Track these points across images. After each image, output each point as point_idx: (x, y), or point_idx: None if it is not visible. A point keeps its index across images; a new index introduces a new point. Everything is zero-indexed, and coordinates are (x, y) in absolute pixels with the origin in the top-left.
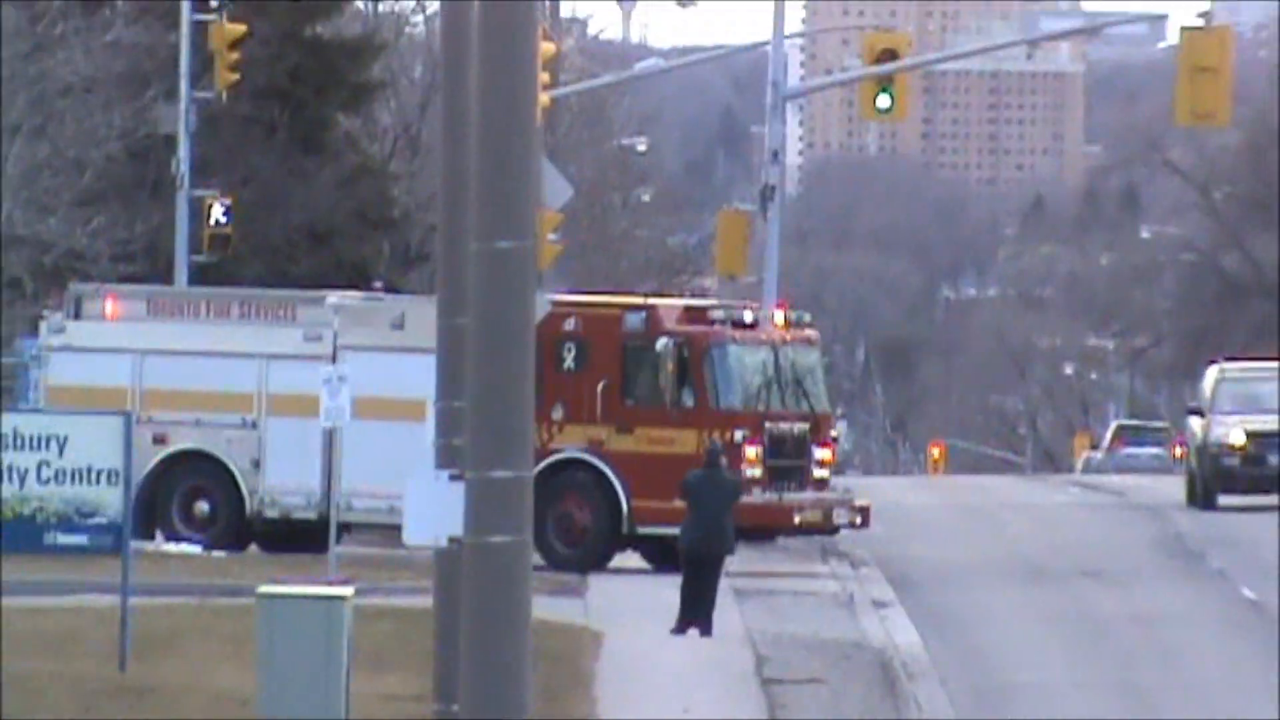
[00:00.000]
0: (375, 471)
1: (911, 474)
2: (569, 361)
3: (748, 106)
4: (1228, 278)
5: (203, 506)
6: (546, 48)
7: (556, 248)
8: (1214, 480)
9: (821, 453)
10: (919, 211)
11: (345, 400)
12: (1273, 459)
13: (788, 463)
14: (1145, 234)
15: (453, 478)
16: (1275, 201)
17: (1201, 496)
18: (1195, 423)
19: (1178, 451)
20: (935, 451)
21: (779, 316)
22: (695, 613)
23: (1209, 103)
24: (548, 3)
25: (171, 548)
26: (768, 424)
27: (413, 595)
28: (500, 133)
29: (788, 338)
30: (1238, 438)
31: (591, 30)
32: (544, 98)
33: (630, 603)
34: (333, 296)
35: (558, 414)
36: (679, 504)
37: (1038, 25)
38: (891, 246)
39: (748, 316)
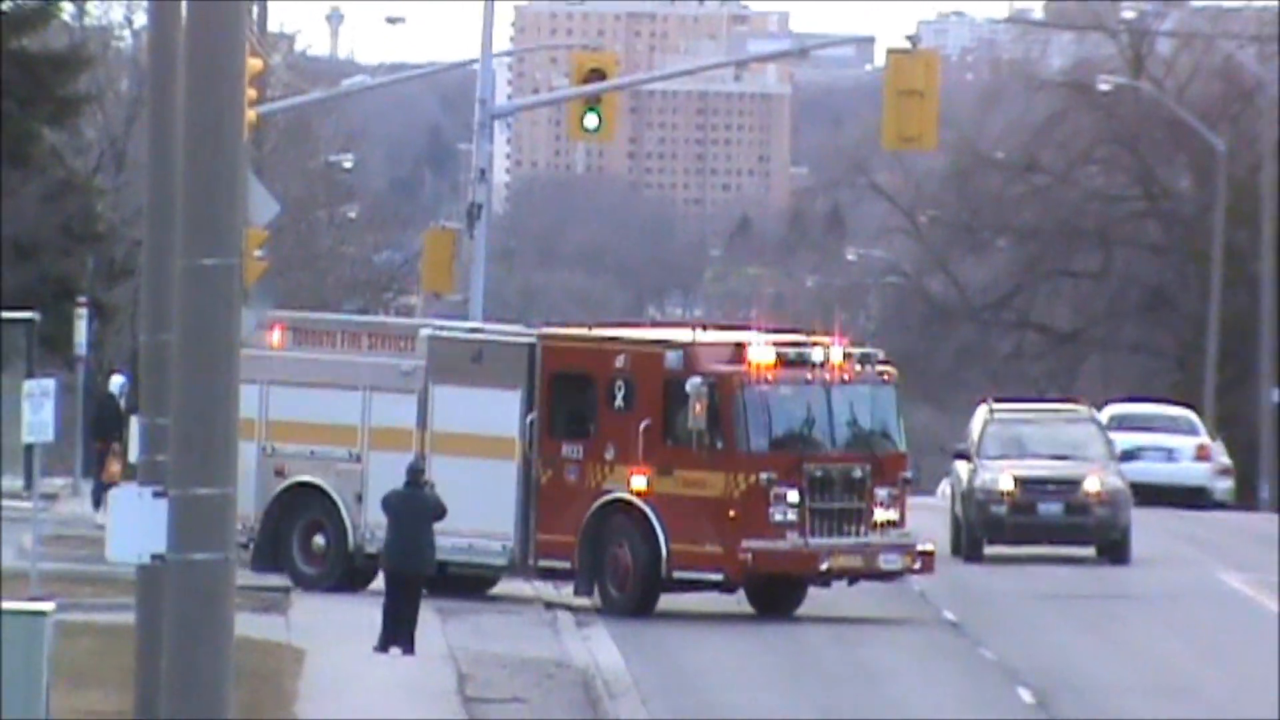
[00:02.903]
0: (456, 510)
1: None
2: (619, 400)
3: (455, 124)
4: (933, 301)
5: (319, 541)
6: (253, 63)
7: (262, 265)
8: (981, 529)
9: (887, 494)
10: (626, 231)
11: (49, 415)
12: (1043, 507)
13: (838, 506)
14: (851, 256)
15: (156, 494)
16: (980, 225)
17: (967, 547)
18: (961, 467)
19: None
20: None
21: (835, 354)
22: (398, 631)
23: (915, 126)
24: (255, 18)
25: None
26: (807, 466)
27: (115, 612)
28: (207, 149)
29: (847, 376)
30: (1007, 484)
31: (299, 46)
32: (251, 114)
33: (333, 621)
34: (426, 329)
35: (610, 454)
36: (711, 548)
37: (745, 47)
38: (598, 266)
39: (794, 353)
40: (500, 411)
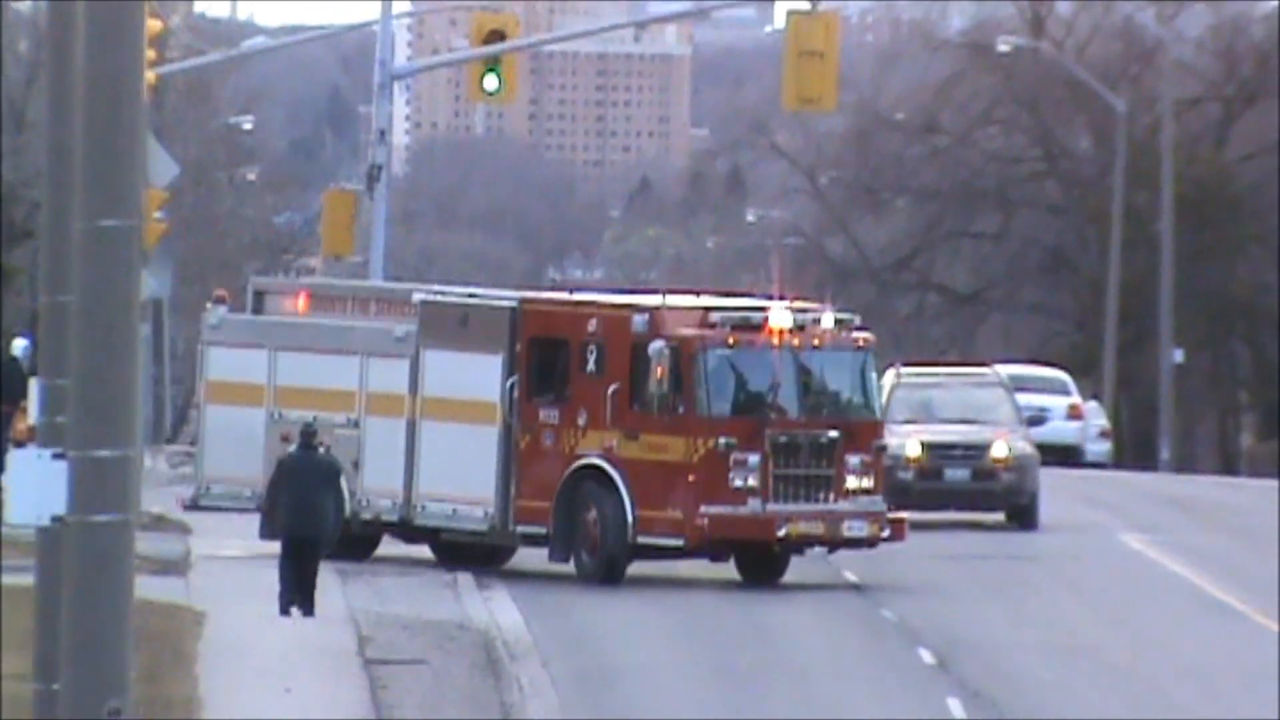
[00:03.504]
0: (443, 475)
1: None
2: (590, 365)
3: (355, 86)
4: (832, 262)
5: None
6: (153, 24)
7: (161, 226)
8: (887, 495)
9: (859, 461)
10: (526, 193)
11: None
12: (950, 473)
13: (804, 472)
14: (751, 217)
15: (55, 456)
16: (880, 186)
17: None
18: None
19: None
20: None
21: (803, 319)
22: (297, 593)
23: (815, 87)
24: None
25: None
26: (771, 431)
27: (15, 574)
28: (105, 110)
29: (816, 341)
30: (913, 450)
31: (198, 7)
32: (150, 75)
33: (233, 583)
34: (419, 293)
35: (582, 419)
36: (672, 513)
37: (645, 8)
38: (498, 228)
39: (757, 318)
40: (484, 376)
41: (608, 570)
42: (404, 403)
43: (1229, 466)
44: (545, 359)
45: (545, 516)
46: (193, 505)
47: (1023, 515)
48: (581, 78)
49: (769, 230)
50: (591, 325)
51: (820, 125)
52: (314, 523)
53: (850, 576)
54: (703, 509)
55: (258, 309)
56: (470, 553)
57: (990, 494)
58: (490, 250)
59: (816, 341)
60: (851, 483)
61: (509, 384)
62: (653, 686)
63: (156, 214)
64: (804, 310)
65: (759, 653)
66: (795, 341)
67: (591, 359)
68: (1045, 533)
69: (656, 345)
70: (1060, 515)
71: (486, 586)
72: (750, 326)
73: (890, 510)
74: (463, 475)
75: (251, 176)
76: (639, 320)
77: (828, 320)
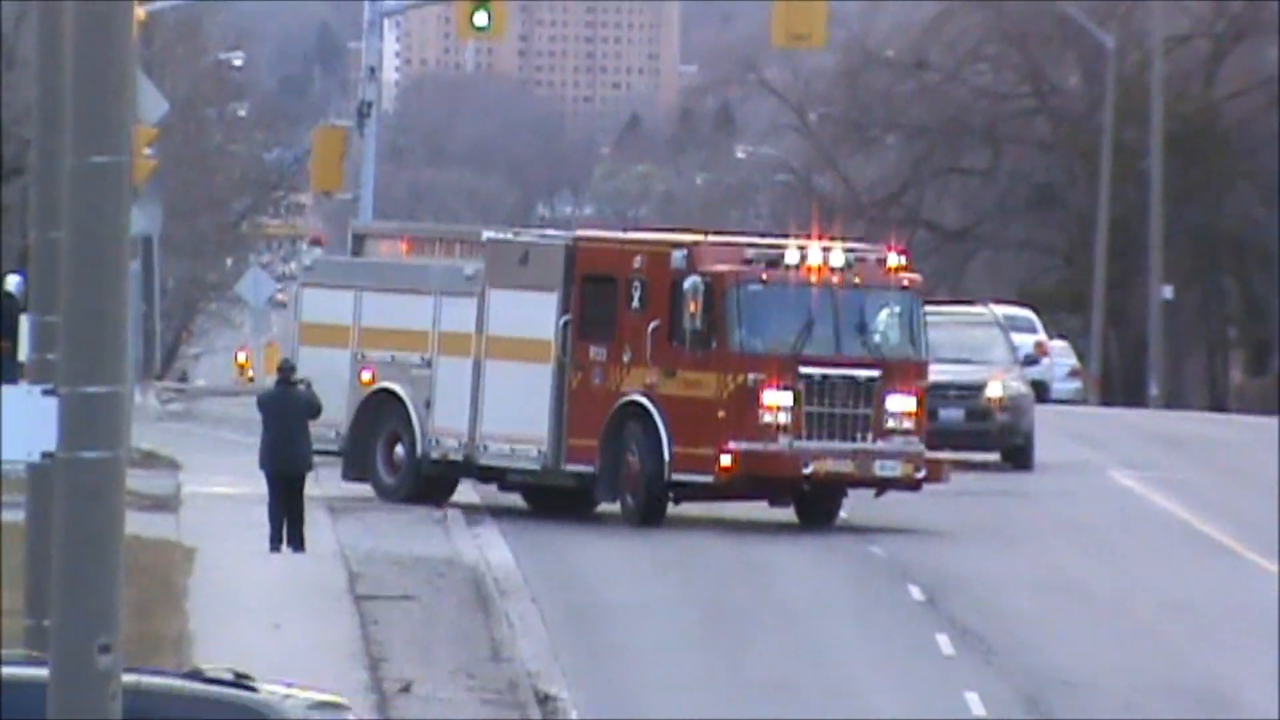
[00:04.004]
0: (503, 414)
1: None
2: (635, 302)
3: (345, 22)
4: (821, 198)
5: (398, 451)
6: None
7: (151, 163)
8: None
9: (897, 402)
10: (515, 129)
11: None
12: (944, 413)
13: (840, 411)
14: (740, 154)
15: (46, 392)
16: (869, 123)
17: None
18: None
19: None
20: None
21: (842, 257)
22: (286, 529)
23: (805, 24)
24: None
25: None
26: (804, 369)
27: (7, 510)
28: (95, 46)
29: (858, 280)
30: None
31: None
32: (140, 11)
33: (224, 519)
34: (488, 231)
35: (626, 356)
36: (704, 451)
37: None
38: (487, 164)
39: (794, 256)
40: (541, 314)
41: (645, 511)
42: (470, 342)
43: (1217, 403)
44: (596, 297)
45: (594, 455)
46: None
47: (1018, 455)
48: (571, 14)
49: (758, 167)
50: (636, 262)
51: (809, 62)
52: (294, 458)
53: (842, 514)
54: (730, 444)
55: (357, 252)
56: (556, 498)
57: (985, 434)
58: (480, 186)
59: (858, 280)
60: (891, 423)
61: (562, 322)
62: (642, 623)
63: (146, 150)
64: (847, 249)
65: (749, 590)
66: (835, 280)
67: (636, 296)
68: (1035, 471)
69: (691, 280)
70: (1050, 453)
71: (476, 523)
72: (787, 264)
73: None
74: (520, 414)
75: (241, 113)
76: (678, 256)
77: (870, 259)
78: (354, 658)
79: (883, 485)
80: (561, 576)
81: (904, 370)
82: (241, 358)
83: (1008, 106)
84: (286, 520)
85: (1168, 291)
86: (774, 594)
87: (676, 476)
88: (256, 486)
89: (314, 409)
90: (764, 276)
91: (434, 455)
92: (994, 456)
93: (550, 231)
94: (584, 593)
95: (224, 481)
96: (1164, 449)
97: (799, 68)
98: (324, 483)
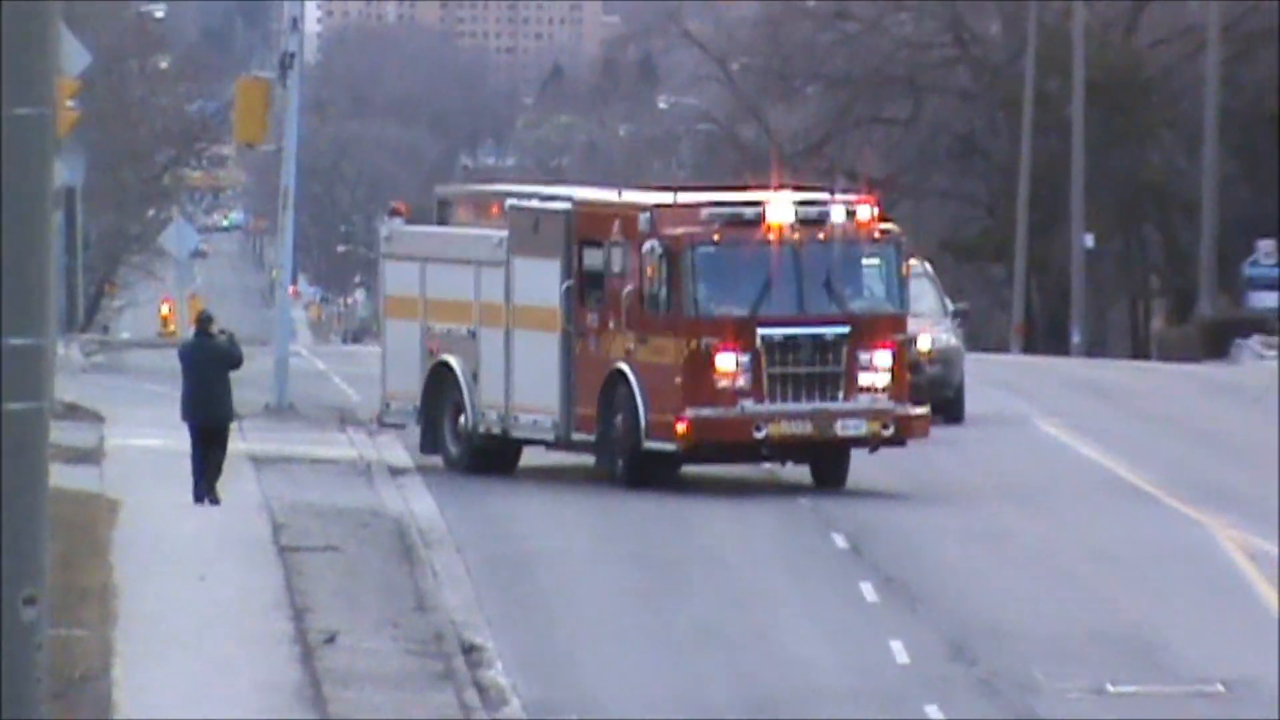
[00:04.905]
0: (527, 385)
1: None
2: (616, 266)
3: None
4: (745, 148)
5: (462, 420)
6: None
7: (74, 115)
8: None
9: (869, 358)
10: (439, 80)
11: None
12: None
13: (805, 371)
14: (663, 104)
15: None
16: (791, 73)
17: None
18: None
19: None
20: None
21: (801, 213)
22: (208, 480)
23: None
24: None
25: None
26: (763, 330)
27: None
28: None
29: (823, 235)
30: None
31: None
32: None
33: (147, 471)
34: (512, 198)
35: (612, 323)
36: (668, 416)
37: None
38: (411, 116)
39: (751, 214)
40: (551, 282)
41: (629, 477)
42: (502, 312)
43: (1139, 351)
44: (591, 262)
45: (592, 424)
46: (379, 422)
47: (948, 408)
48: None
49: (681, 117)
50: (616, 226)
51: (731, 12)
52: (214, 410)
53: (765, 465)
54: (687, 411)
55: (443, 219)
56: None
57: (916, 387)
58: (403, 138)
59: (823, 235)
60: (865, 380)
61: (564, 289)
62: (567, 573)
63: (69, 102)
64: (811, 203)
65: (674, 540)
66: (796, 236)
67: (616, 261)
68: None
69: (649, 244)
70: (975, 402)
71: (400, 473)
72: (744, 222)
73: (910, 407)
74: (537, 384)
75: (163, 65)
76: (644, 219)
77: (838, 212)
78: (279, 609)
79: (847, 445)
80: (486, 527)
81: (876, 325)
82: (165, 310)
83: (929, 56)
84: (208, 470)
85: (1090, 240)
86: (699, 544)
87: (648, 444)
88: (180, 439)
89: (234, 359)
90: (716, 237)
91: (481, 428)
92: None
93: (560, 191)
94: (509, 543)
95: (148, 434)
96: (1088, 397)
97: (721, 18)
98: (248, 435)
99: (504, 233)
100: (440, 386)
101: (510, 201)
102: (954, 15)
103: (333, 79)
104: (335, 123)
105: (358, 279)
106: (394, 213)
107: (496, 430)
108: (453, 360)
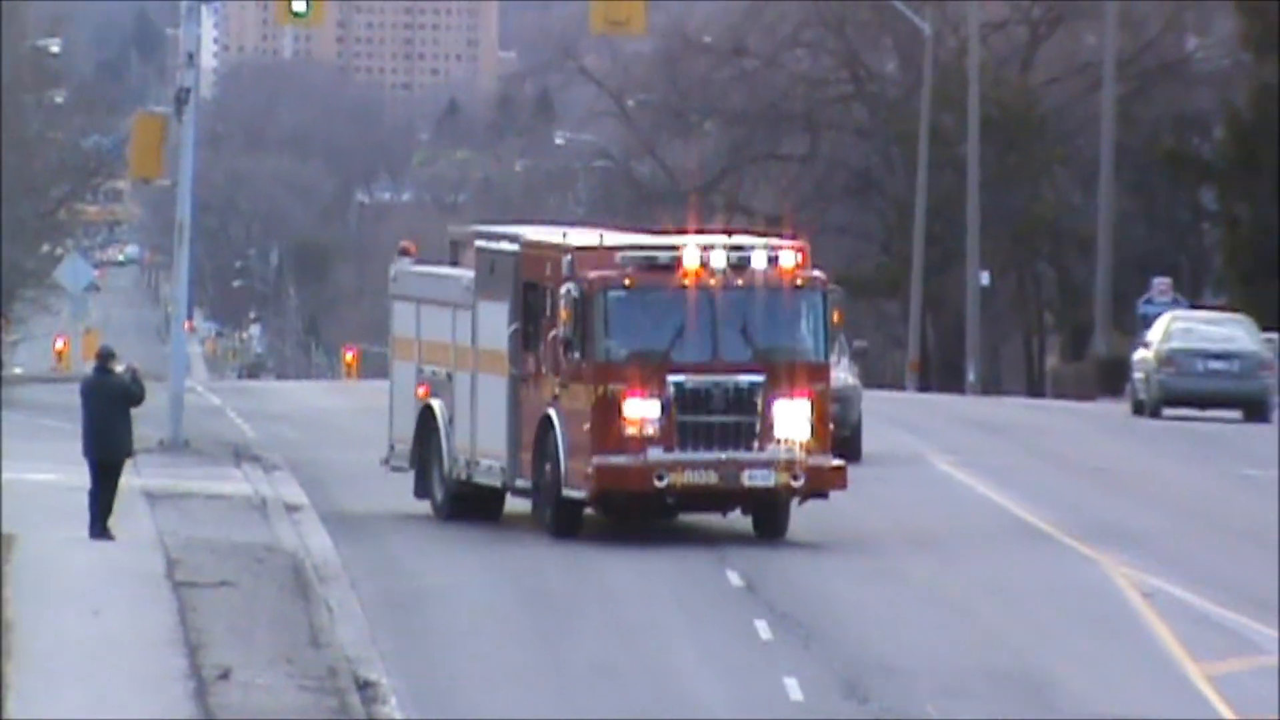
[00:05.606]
0: (486, 430)
1: (325, 378)
2: (548, 309)
3: (163, 9)
4: (640, 185)
5: (444, 467)
6: None
7: None
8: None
9: (784, 407)
10: (334, 116)
11: None
12: None
13: (718, 419)
14: (559, 140)
15: None
16: (688, 109)
17: None
18: None
19: None
20: (349, 355)
21: (719, 258)
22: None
23: (624, 10)
24: None
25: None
26: (674, 376)
27: None
28: None
29: (741, 281)
30: None
31: None
32: None
33: (42, 506)
34: (480, 240)
35: (544, 367)
36: (580, 465)
37: None
38: (306, 150)
39: (667, 258)
40: (503, 325)
41: (556, 526)
42: (470, 355)
43: (1034, 388)
44: (530, 305)
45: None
46: (386, 465)
47: (845, 446)
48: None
49: (577, 153)
50: (547, 269)
51: (628, 48)
52: (110, 446)
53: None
54: (594, 459)
55: (455, 260)
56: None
57: None
58: (299, 173)
59: (742, 281)
60: (780, 430)
61: (510, 332)
62: (462, 609)
63: None
64: (733, 248)
65: (569, 578)
66: (712, 281)
67: (548, 303)
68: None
69: (565, 287)
70: (871, 439)
71: (295, 509)
72: (659, 266)
73: (827, 458)
74: (492, 429)
75: (59, 99)
76: (565, 261)
77: (759, 258)
78: (173, 644)
79: (753, 497)
80: (381, 563)
81: (794, 373)
82: (59, 345)
83: (826, 92)
84: (104, 506)
85: (985, 277)
86: (593, 581)
87: (566, 492)
88: (76, 473)
89: (134, 396)
90: (627, 281)
91: (454, 474)
92: None
93: (510, 233)
94: (403, 579)
95: (43, 468)
96: (983, 435)
97: (618, 54)
98: (143, 470)
99: (470, 274)
100: (426, 430)
101: (478, 243)
102: (850, 52)
103: (229, 113)
104: (231, 157)
105: (253, 314)
106: (403, 252)
107: (464, 476)
108: (435, 404)
